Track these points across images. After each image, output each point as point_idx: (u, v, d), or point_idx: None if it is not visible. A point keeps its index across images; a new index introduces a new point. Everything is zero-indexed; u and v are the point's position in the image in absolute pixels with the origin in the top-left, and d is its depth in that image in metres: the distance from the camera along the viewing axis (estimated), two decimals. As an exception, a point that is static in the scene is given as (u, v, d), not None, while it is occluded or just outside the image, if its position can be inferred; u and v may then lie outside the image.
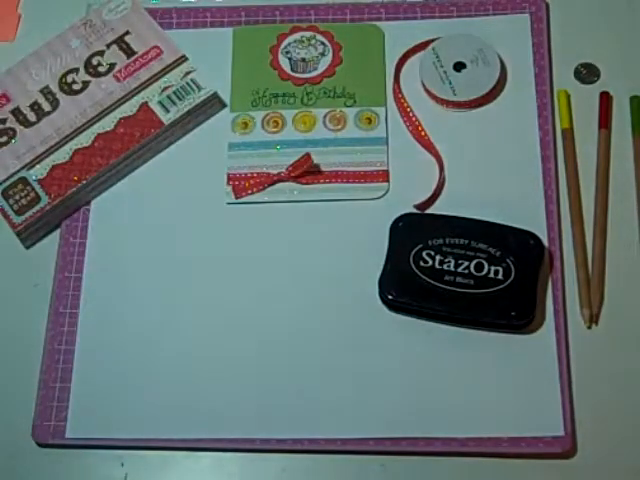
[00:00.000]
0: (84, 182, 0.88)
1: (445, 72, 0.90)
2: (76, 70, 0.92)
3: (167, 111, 0.90)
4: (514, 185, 0.87)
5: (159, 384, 0.82)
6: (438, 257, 0.83)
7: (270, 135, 0.90)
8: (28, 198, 0.88)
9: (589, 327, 0.83)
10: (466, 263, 0.82)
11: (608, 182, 0.87)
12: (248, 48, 0.93)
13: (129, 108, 0.90)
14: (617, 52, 0.92)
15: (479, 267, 0.82)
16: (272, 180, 0.88)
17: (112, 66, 0.92)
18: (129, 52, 0.92)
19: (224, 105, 0.92)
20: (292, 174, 0.87)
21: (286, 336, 0.83)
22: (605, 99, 0.90)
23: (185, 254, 0.86)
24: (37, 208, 0.87)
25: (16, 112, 0.91)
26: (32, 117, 0.91)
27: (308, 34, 0.93)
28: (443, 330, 0.82)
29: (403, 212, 0.85)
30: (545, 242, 0.84)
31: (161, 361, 0.83)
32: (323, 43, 0.93)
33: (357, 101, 0.91)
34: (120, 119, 0.90)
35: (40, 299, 0.86)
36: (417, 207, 0.86)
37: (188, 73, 0.91)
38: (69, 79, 0.92)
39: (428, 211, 0.86)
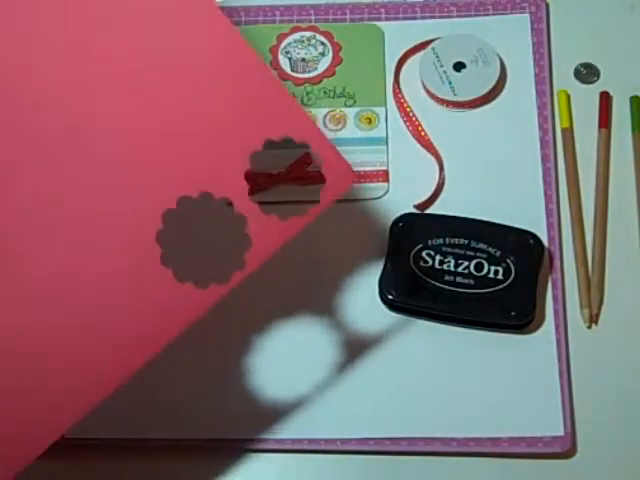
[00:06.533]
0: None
1: (445, 72, 0.90)
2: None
3: (167, 111, 0.90)
4: (514, 185, 0.87)
5: (159, 384, 0.82)
6: (438, 257, 0.83)
7: (270, 135, 0.90)
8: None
9: (589, 327, 0.83)
10: (466, 263, 0.82)
11: (608, 182, 0.87)
12: (248, 48, 0.93)
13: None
14: (617, 52, 0.92)
15: (479, 267, 0.82)
16: (271, 180, 0.88)
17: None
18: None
19: (224, 105, 0.92)
20: (292, 174, 0.87)
21: (285, 336, 0.83)
22: (605, 99, 0.90)
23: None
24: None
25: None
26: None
27: (308, 34, 0.93)
28: (443, 330, 0.82)
29: (403, 212, 0.85)
30: (545, 242, 0.84)
31: (161, 360, 0.83)
32: (323, 43, 0.93)
33: (357, 101, 0.91)
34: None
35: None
36: (417, 207, 0.86)
37: (188, 73, 0.91)
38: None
39: (428, 211, 0.86)
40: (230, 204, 0.65)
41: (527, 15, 0.93)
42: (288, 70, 0.92)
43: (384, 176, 0.88)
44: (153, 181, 0.66)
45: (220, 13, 0.66)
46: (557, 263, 0.84)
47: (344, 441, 0.80)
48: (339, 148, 0.89)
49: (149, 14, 0.66)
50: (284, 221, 0.67)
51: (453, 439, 0.79)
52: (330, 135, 0.90)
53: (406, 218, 0.85)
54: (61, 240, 0.65)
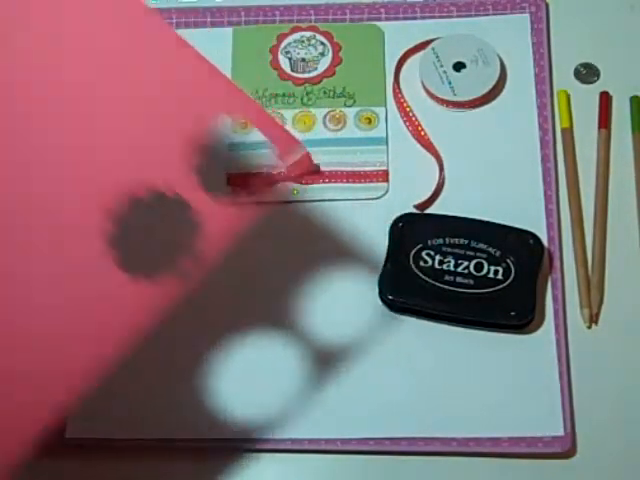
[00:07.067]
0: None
1: (445, 72, 0.90)
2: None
3: (167, 111, 0.90)
4: (514, 185, 0.87)
5: (159, 384, 0.82)
6: (438, 257, 0.83)
7: (270, 135, 0.90)
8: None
9: (589, 327, 0.83)
10: (466, 263, 0.82)
11: (608, 182, 0.87)
12: (248, 48, 0.93)
13: (129, 108, 0.90)
14: (617, 52, 0.92)
15: (479, 267, 0.82)
16: (272, 180, 0.88)
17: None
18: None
19: (224, 105, 0.92)
20: (291, 174, 0.87)
21: (285, 335, 0.83)
22: (605, 99, 0.90)
23: (185, 254, 0.86)
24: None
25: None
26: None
27: (308, 34, 0.93)
28: (443, 330, 0.82)
29: (403, 212, 0.85)
30: (545, 242, 0.84)
31: (161, 360, 0.83)
32: (323, 43, 0.93)
33: (357, 101, 0.91)
34: (120, 119, 0.90)
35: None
36: (417, 207, 0.86)
37: (188, 73, 0.91)
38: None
39: (428, 211, 0.86)
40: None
41: (527, 15, 0.93)
42: (288, 70, 0.92)
43: (384, 176, 0.88)
44: (99, 182, 0.64)
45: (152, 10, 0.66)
46: (557, 263, 0.84)
47: (344, 441, 0.80)
48: (339, 148, 0.89)
49: (86, 16, 0.66)
50: (236, 207, 0.66)
51: (453, 439, 0.79)
52: (330, 135, 0.90)
53: (406, 218, 0.85)
54: (25, 251, 0.65)
